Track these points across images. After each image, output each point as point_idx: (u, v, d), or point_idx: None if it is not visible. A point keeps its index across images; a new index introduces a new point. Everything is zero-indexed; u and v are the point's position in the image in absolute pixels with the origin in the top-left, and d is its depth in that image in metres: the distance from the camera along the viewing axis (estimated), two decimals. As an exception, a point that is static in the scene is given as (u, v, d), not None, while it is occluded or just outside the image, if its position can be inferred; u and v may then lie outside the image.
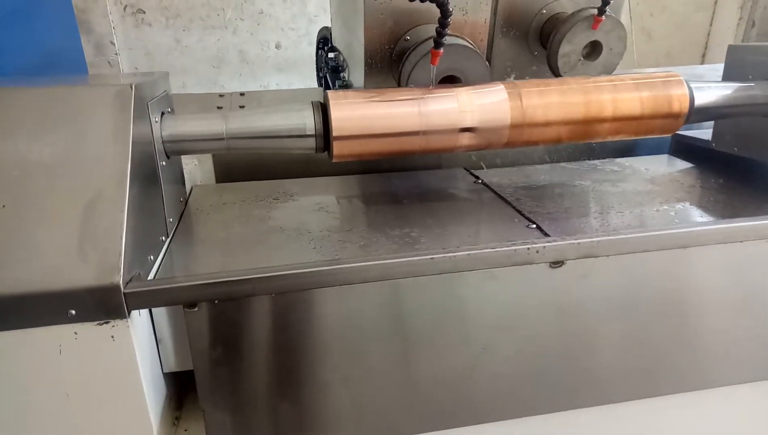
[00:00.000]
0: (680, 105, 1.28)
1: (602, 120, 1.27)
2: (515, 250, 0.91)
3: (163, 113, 1.16)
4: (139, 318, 0.88)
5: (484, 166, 1.75)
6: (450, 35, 1.35)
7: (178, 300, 0.85)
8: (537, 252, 0.92)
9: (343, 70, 1.85)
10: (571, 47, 1.51)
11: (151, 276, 0.96)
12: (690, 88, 1.31)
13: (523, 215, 1.24)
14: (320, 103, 1.21)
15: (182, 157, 1.53)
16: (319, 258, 1.03)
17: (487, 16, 1.45)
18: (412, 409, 1.00)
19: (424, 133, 1.22)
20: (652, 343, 1.06)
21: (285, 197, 1.43)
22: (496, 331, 0.99)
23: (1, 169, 0.87)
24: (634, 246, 0.95)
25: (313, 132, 1.19)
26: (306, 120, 1.19)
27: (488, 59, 1.60)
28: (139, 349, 0.86)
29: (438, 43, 1.23)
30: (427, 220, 1.25)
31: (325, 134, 1.19)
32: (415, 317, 0.95)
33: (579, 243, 0.93)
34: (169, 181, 1.18)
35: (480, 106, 1.24)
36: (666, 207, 1.27)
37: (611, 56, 1.55)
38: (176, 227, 1.21)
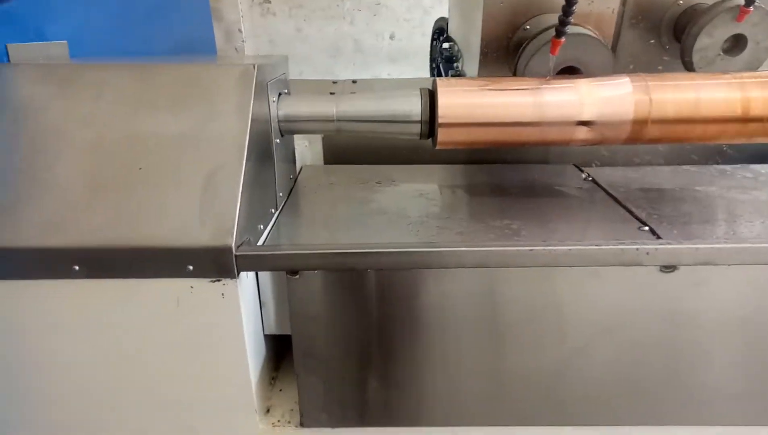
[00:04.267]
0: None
1: (740, 120, 1.15)
2: (622, 249, 0.86)
3: (280, 94, 1.22)
4: (247, 280, 0.95)
5: (597, 163, 1.66)
6: (573, 24, 1.30)
7: (282, 266, 0.90)
8: (647, 254, 0.86)
9: (457, 60, 1.84)
10: (710, 41, 1.39)
11: (259, 243, 1.03)
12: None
13: (634, 216, 1.17)
14: (429, 90, 1.22)
15: (294, 137, 1.63)
16: (417, 241, 1.04)
17: (615, 6, 1.37)
18: (497, 401, 0.99)
19: (538, 124, 1.18)
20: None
21: (387, 182, 1.46)
22: (594, 333, 0.94)
23: (141, 137, 0.97)
24: (763, 256, 0.86)
25: (419, 118, 1.20)
26: (413, 105, 1.20)
27: (613, 51, 1.51)
28: (245, 308, 0.93)
29: (560, 32, 1.18)
30: (529, 213, 1.21)
31: (431, 120, 1.20)
32: (510, 309, 0.93)
33: (697, 248, 0.86)
34: (282, 159, 1.25)
35: (601, 99, 1.18)
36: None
37: (758, 51, 1.39)
38: (285, 202, 1.28)
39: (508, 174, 1.54)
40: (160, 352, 0.95)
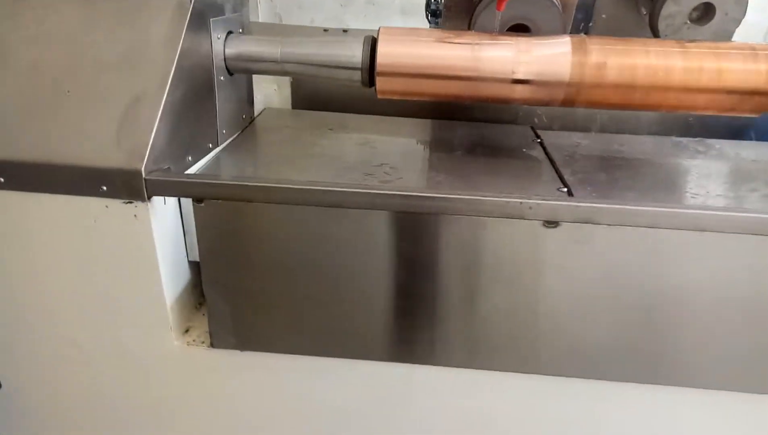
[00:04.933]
0: (773, 81, 1.11)
1: (678, 89, 1.15)
2: (507, 201, 0.89)
3: (230, 32, 1.25)
4: (164, 206, 1.00)
5: (554, 127, 1.66)
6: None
7: (188, 193, 0.95)
8: (530, 208, 0.89)
9: (440, 16, 1.83)
10: (676, 8, 1.36)
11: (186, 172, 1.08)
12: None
13: (561, 179, 1.18)
14: (373, 38, 1.23)
15: (262, 80, 1.66)
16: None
17: (581, -36, 1.34)
18: (378, 336, 1.06)
19: (474, 79, 1.19)
20: (634, 330, 1.00)
21: (340, 129, 1.49)
22: (477, 280, 0.98)
23: (75, 61, 1.02)
24: (641, 219, 0.88)
25: (359, 65, 1.22)
26: (355, 52, 1.22)
27: (588, 15, 1.49)
28: (159, 231, 0.99)
29: (505, -13, 1.18)
30: (461, 169, 1.23)
31: (371, 69, 1.22)
32: (398, 251, 0.98)
33: (577, 206, 0.88)
34: (229, 97, 1.28)
35: (538, 57, 1.17)
36: (732, 194, 1.13)
37: (725, 22, 1.36)
38: (232, 139, 1.33)
39: (463, 131, 1.55)
40: (81, 264, 1.02)
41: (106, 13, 1.06)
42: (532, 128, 1.58)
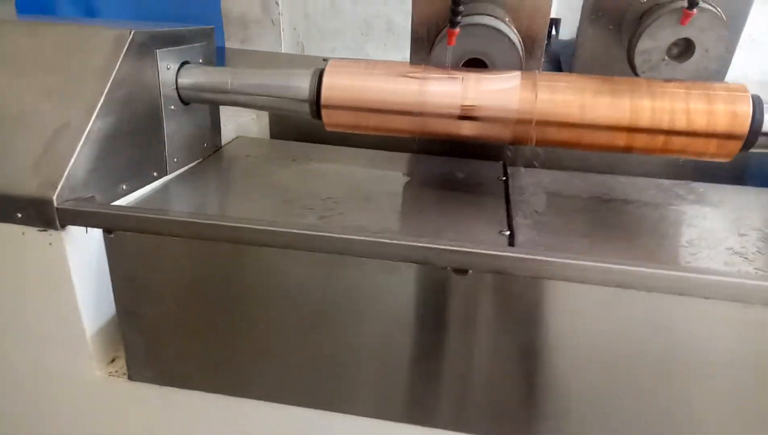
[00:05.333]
0: (732, 123, 1.02)
1: (626, 129, 1.07)
2: (415, 246, 0.83)
3: (185, 63, 1.26)
4: (86, 235, 1.00)
5: (536, 164, 1.59)
6: (480, 14, 1.25)
7: (95, 224, 0.94)
8: (438, 254, 0.83)
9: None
10: (652, 44, 1.29)
11: (119, 202, 1.08)
12: (756, 106, 1.04)
13: (509, 220, 1.12)
14: (321, 69, 1.21)
15: (240, 109, 1.66)
16: (265, 217, 1.05)
17: (547, -1, 1.29)
18: (305, 380, 1.01)
19: (420, 114, 1.15)
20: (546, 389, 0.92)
21: (304, 160, 1.47)
22: (388, 326, 0.92)
23: (12, 88, 1.04)
24: (554, 271, 0.80)
25: (307, 97, 1.20)
26: (303, 84, 1.20)
27: (573, 50, 1.43)
28: (78, 260, 0.99)
29: (452, 21, 1.14)
30: (408, 206, 1.19)
31: (318, 101, 1.19)
32: (306, 290, 0.94)
33: (488, 254, 0.82)
34: (183, 126, 1.29)
35: (485, 93, 1.13)
36: (702, 250, 1.03)
37: (706, 60, 1.28)
38: (189, 167, 1.33)
39: (433, 166, 1.51)
40: (2, 289, 1.03)
41: (49, 43, 1.09)
42: (504, 165, 1.52)
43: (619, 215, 1.22)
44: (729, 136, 1.04)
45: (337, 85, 1.17)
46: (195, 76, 1.26)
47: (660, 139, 1.07)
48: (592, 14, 1.43)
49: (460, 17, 1.13)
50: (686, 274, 0.79)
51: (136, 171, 1.14)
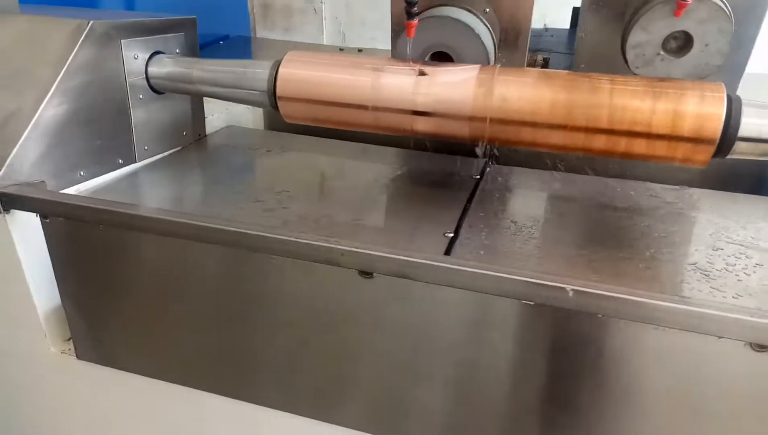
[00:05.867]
0: (701, 126, 0.92)
1: (585, 130, 0.99)
2: (319, 245, 0.81)
3: (156, 53, 1.28)
4: (35, 219, 1.04)
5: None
6: (448, 5, 1.19)
7: (30, 208, 0.97)
8: (342, 254, 0.80)
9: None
10: (646, 36, 1.20)
11: (75, 190, 1.12)
12: (733, 107, 0.93)
13: (460, 222, 1.07)
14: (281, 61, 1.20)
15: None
16: (214, 210, 1.07)
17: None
18: (227, 370, 1.02)
19: (374, 108, 1.12)
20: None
21: (280, 151, 1.47)
22: (304, 325, 0.91)
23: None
24: (461, 279, 0.75)
25: (266, 88, 1.19)
26: (262, 76, 1.19)
27: (574, 43, 1.34)
28: (26, 244, 1.03)
29: (409, 13, 1.10)
30: (360, 202, 1.16)
31: (275, 92, 1.18)
32: (227, 285, 0.93)
33: (391, 258, 0.78)
34: (154, 114, 1.31)
35: (439, 88, 1.08)
36: (661, 265, 0.94)
37: (706, 55, 1.17)
38: (164, 155, 1.36)
39: (412, 161, 1.46)
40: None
41: (11, 34, 1.13)
42: (487, 162, 1.45)
43: (585, 221, 1.15)
44: (698, 141, 0.94)
45: (292, 77, 1.15)
46: (163, 66, 1.28)
47: (622, 142, 0.98)
48: (593, 4, 1.33)
49: (416, 7, 1.08)
50: (589, 289, 0.71)
51: (98, 158, 1.18)
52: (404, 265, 0.77)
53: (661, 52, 1.19)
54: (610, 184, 1.33)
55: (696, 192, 1.28)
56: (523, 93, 1.03)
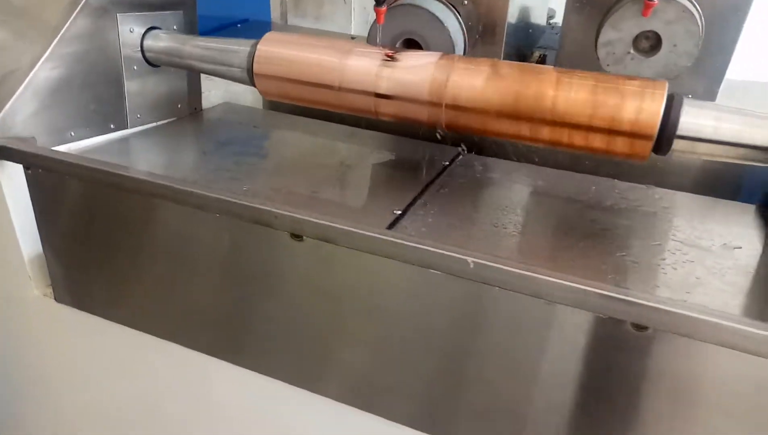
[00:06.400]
0: (638, 121, 0.95)
1: (529, 120, 1.03)
2: (254, 207, 0.88)
3: (152, 28, 1.38)
4: (23, 170, 1.15)
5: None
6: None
7: (13, 159, 1.08)
8: (275, 217, 0.87)
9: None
10: (616, 35, 1.23)
11: (66, 148, 1.22)
12: (673, 106, 0.95)
13: (413, 202, 1.13)
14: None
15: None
16: (186, 174, 1.16)
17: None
18: (196, 327, 1.11)
19: (339, 89, 1.18)
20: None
21: (266, 128, 1.55)
22: (236, 283, 0.98)
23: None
24: (371, 245, 0.81)
25: (245, 66, 1.27)
26: (242, 54, 1.27)
27: (560, 38, 1.36)
28: (14, 192, 1.13)
29: (377, 0, 1.16)
30: (324, 178, 1.23)
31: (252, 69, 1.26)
32: (184, 241, 1.02)
33: (316, 222, 0.84)
34: (148, 85, 1.41)
35: (401, 73, 1.13)
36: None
37: (675, 56, 1.19)
38: (156, 125, 1.46)
39: (392, 146, 1.51)
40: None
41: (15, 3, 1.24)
42: (462, 151, 1.49)
43: (539, 210, 1.18)
44: (635, 135, 0.97)
45: (268, 56, 1.22)
46: (158, 41, 1.37)
47: (565, 133, 1.02)
48: (576, 2, 1.36)
49: (384, -6, 1.14)
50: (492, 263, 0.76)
51: (89, 121, 1.28)
52: (328, 229, 0.83)
53: (631, 51, 1.21)
54: (577, 178, 1.35)
55: (659, 191, 1.30)
56: (475, 82, 1.07)
